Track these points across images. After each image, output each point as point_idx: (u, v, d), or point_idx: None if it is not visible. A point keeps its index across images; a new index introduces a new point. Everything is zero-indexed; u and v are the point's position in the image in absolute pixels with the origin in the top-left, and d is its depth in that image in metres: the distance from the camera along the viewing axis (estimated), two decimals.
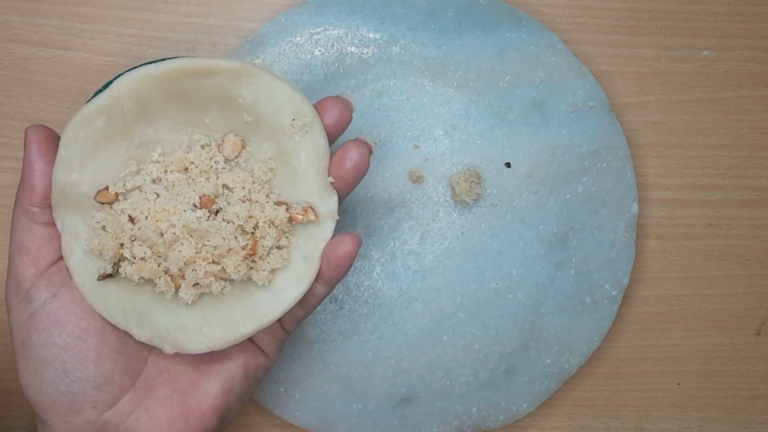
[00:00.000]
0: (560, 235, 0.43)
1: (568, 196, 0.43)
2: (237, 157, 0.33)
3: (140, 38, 0.44)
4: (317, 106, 0.33)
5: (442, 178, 0.43)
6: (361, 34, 0.43)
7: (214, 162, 0.33)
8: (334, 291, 0.43)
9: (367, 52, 0.43)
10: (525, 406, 0.43)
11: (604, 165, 0.43)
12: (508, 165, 0.43)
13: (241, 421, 0.44)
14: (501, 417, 0.43)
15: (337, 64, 0.43)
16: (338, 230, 0.43)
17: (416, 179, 0.43)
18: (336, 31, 0.43)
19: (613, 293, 0.43)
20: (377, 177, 0.43)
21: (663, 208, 0.45)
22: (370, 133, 0.43)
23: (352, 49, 0.43)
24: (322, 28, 0.43)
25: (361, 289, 0.43)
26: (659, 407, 0.46)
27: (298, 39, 0.43)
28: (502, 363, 0.43)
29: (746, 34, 0.45)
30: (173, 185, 0.32)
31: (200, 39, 0.44)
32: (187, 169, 0.33)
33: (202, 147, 0.33)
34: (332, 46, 0.43)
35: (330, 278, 0.33)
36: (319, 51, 0.43)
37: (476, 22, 0.43)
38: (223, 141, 0.33)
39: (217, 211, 0.32)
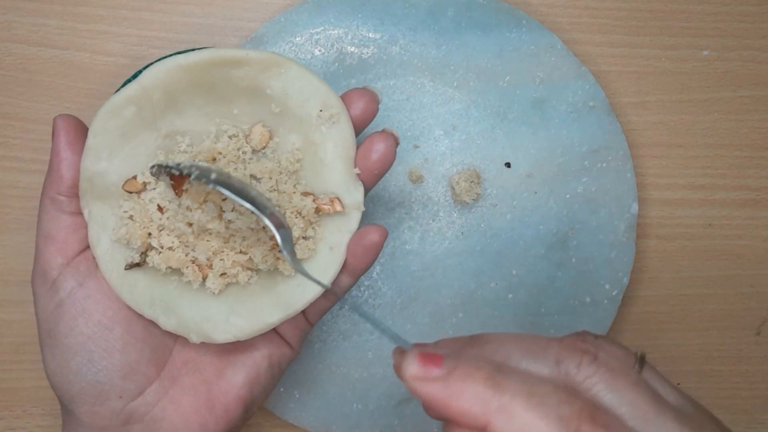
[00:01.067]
0: (560, 235, 0.43)
1: (568, 196, 0.43)
2: (264, 147, 0.33)
3: (140, 38, 0.44)
4: (344, 98, 0.33)
5: (442, 178, 0.43)
6: (361, 34, 0.43)
7: (242, 152, 0.33)
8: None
9: (367, 52, 0.43)
10: None
11: (604, 165, 0.43)
12: (508, 165, 0.43)
13: None
14: None
15: (337, 64, 0.43)
16: None
17: (416, 179, 0.43)
18: (336, 31, 0.43)
19: (613, 293, 0.43)
20: None
21: (663, 208, 0.45)
22: (369, 133, 0.43)
23: (352, 49, 0.43)
24: (322, 28, 0.43)
25: (361, 289, 0.43)
26: None
27: (298, 39, 0.43)
28: None
29: (746, 34, 0.45)
30: None
31: (200, 39, 0.44)
32: (215, 159, 0.33)
33: (230, 137, 0.33)
34: (332, 46, 0.43)
35: (356, 269, 0.33)
36: (319, 51, 0.43)
37: (476, 22, 0.43)
38: (250, 131, 0.33)
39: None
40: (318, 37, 0.43)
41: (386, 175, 0.43)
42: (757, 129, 0.45)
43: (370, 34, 0.43)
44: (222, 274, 0.32)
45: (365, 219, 0.43)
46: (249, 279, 0.33)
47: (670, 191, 0.45)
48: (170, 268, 0.32)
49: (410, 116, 0.43)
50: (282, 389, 0.42)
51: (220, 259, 0.32)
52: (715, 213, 0.45)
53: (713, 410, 0.47)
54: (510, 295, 0.43)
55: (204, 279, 0.32)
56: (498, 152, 0.43)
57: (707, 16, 0.45)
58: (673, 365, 0.45)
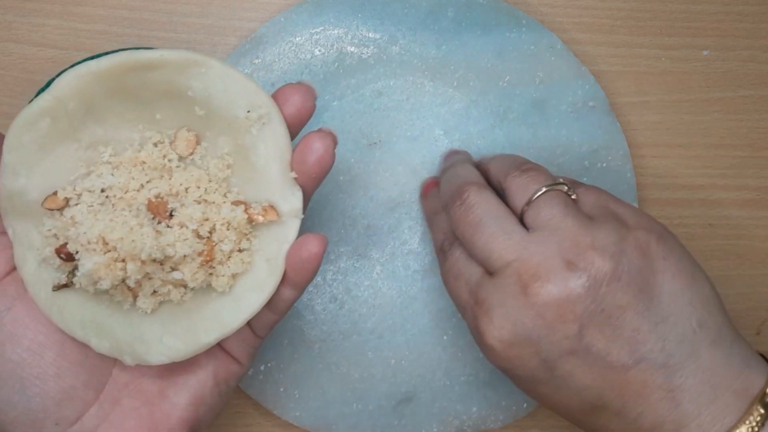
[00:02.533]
0: None
1: None
2: (192, 153, 0.31)
3: (140, 38, 0.44)
4: (276, 95, 0.30)
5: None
6: (361, 34, 0.43)
7: (168, 160, 0.31)
8: (334, 291, 0.43)
9: (367, 52, 0.43)
10: (525, 405, 0.43)
11: (604, 165, 0.43)
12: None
13: (241, 420, 0.44)
14: (501, 417, 0.43)
15: (336, 64, 0.43)
16: (338, 230, 0.43)
17: (416, 179, 0.43)
18: (336, 31, 0.43)
19: None
20: (377, 177, 0.43)
21: (663, 208, 0.45)
22: (370, 133, 0.43)
23: (352, 49, 0.43)
24: (322, 28, 0.43)
25: (361, 288, 0.43)
26: None
27: (297, 39, 0.43)
28: None
29: (746, 34, 0.45)
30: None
31: (200, 39, 0.44)
32: (136, 168, 0.31)
33: (155, 145, 0.31)
34: (332, 46, 0.43)
35: (297, 282, 0.31)
36: (319, 51, 0.43)
37: (476, 22, 0.43)
38: (175, 137, 0.31)
39: (171, 215, 0.30)
40: (318, 37, 0.43)
41: (386, 175, 0.43)
42: (757, 129, 0.45)
43: (370, 34, 0.43)
44: (153, 293, 0.31)
45: (355, 223, 0.43)
46: (183, 296, 0.31)
47: (670, 191, 0.45)
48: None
49: (410, 116, 0.43)
50: (282, 389, 0.42)
51: (149, 278, 0.30)
52: (716, 213, 0.45)
53: None
54: None
55: (135, 298, 0.31)
56: (498, 152, 0.43)
57: (707, 16, 0.45)
58: None
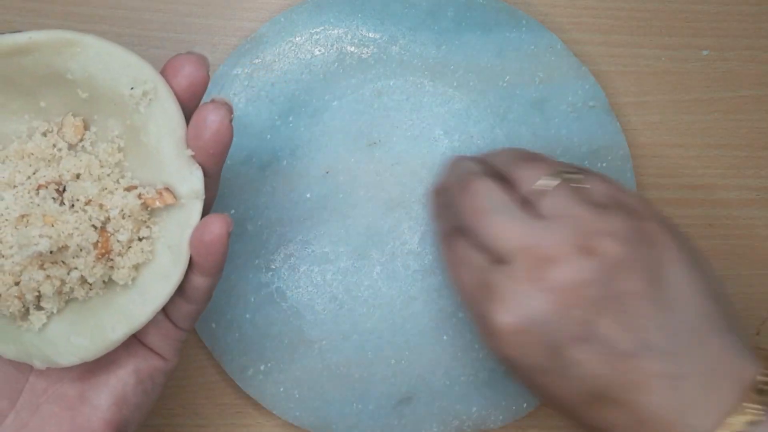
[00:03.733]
0: None
1: None
2: (81, 140, 0.29)
3: (140, 38, 0.44)
4: (165, 69, 0.28)
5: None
6: (361, 34, 0.43)
7: (57, 149, 0.29)
8: (334, 291, 0.43)
9: (367, 52, 0.43)
10: (525, 405, 0.43)
11: (604, 165, 0.43)
12: None
13: (241, 420, 0.44)
14: (501, 417, 0.43)
15: (336, 64, 0.43)
16: (338, 230, 0.43)
17: (416, 179, 0.43)
18: (336, 31, 0.43)
19: None
20: (377, 177, 0.43)
21: (663, 208, 0.45)
22: (369, 133, 0.43)
23: (352, 49, 0.43)
24: (322, 27, 0.43)
25: (361, 288, 0.43)
26: None
27: (297, 39, 0.43)
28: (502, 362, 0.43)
29: (746, 34, 0.45)
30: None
31: (200, 39, 0.44)
32: (23, 160, 0.29)
33: (44, 134, 0.29)
34: (332, 46, 0.43)
35: (205, 267, 0.29)
36: (319, 51, 0.43)
37: (476, 22, 0.43)
38: (62, 124, 0.29)
39: (63, 190, 0.28)
40: (318, 37, 0.43)
41: (386, 174, 0.43)
42: (757, 129, 0.45)
43: (370, 34, 0.43)
44: (59, 293, 0.29)
45: (355, 223, 0.43)
46: (87, 292, 0.29)
47: (670, 191, 0.45)
48: None
49: (410, 116, 0.43)
50: (282, 389, 0.42)
51: (49, 280, 0.28)
52: (715, 213, 0.45)
53: None
54: None
55: (35, 304, 0.29)
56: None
57: (707, 16, 0.45)
58: None
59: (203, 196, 0.28)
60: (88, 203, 0.28)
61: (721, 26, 0.45)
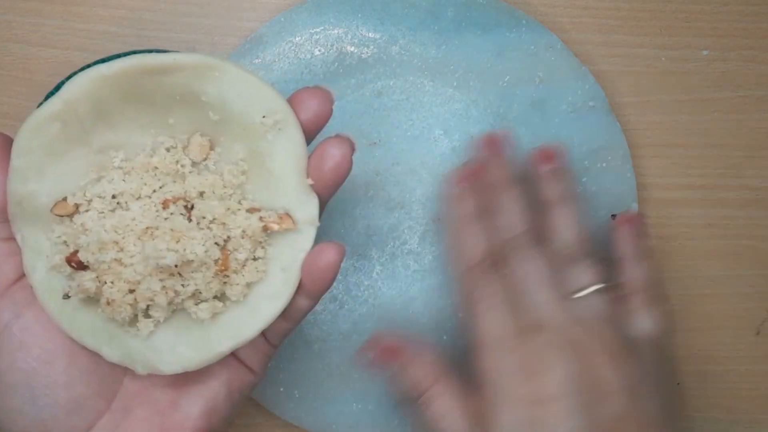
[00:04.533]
0: None
1: None
2: (205, 159, 0.30)
3: (140, 38, 0.44)
4: (292, 100, 0.30)
5: (442, 178, 0.43)
6: (361, 34, 0.43)
7: (180, 165, 0.30)
8: (334, 291, 0.43)
9: (367, 52, 0.43)
10: None
11: (604, 165, 0.43)
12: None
13: (241, 421, 0.44)
14: None
15: (336, 64, 0.43)
16: (338, 230, 0.43)
17: (416, 179, 0.43)
18: (336, 31, 0.43)
19: None
20: (377, 177, 0.43)
21: (663, 208, 0.45)
22: (369, 133, 0.43)
23: (352, 48, 0.43)
24: (322, 27, 0.43)
25: (361, 288, 0.43)
26: None
27: (297, 39, 0.43)
28: None
29: (746, 34, 0.45)
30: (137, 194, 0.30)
31: (200, 39, 0.44)
32: (148, 173, 0.30)
33: (167, 150, 0.30)
34: (332, 45, 0.43)
35: (312, 291, 0.30)
36: (319, 51, 0.43)
37: (476, 22, 0.43)
38: (188, 142, 0.30)
39: (191, 207, 0.29)
40: (318, 37, 0.43)
41: (386, 174, 0.43)
42: (757, 129, 0.45)
43: (370, 34, 0.43)
44: (169, 304, 0.30)
45: (355, 223, 0.43)
46: (197, 305, 0.30)
47: (670, 191, 0.45)
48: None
49: (410, 116, 0.43)
50: (282, 389, 0.42)
51: (164, 291, 0.29)
52: (715, 213, 0.45)
53: (713, 410, 0.47)
54: None
55: (146, 309, 0.30)
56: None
57: (707, 16, 0.45)
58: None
59: (318, 224, 0.30)
60: (212, 221, 0.29)
61: (721, 26, 0.45)
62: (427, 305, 0.43)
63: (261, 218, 0.30)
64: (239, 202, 0.30)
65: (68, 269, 0.29)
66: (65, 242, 0.29)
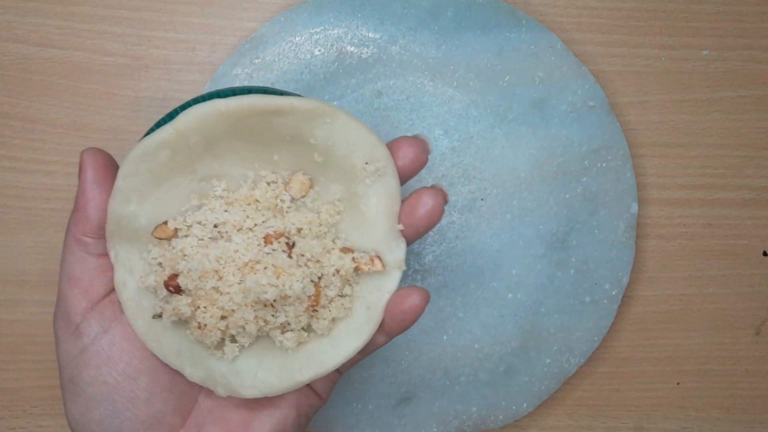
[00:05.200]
0: (560, 234, 0.43)
1: (567, 195, 0.43)
2: (303, 196, 0.31)
3: (140, 38, 0.44)
4: (391, 146, 0.31)
5: (441, 178, 0.43)
6: (361, 34, 0.43)
7: (280, 200, 0.31)
8: None
9: (367, 52, 0.43)
10: (525, 405, 0.43)
11: (604, 165, 0.43)
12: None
13: None
14: (501, 417, 0.43)
15: (336, 64, 0.43)
16: None
17: (416, 178, 0.43)
18: (336, 31, 0.43)
19: (613, 293, 0.43)
20: None
21: (663, 208, 0.45)
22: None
23: (352, 48, 0.43)
24: (322, 27, 0.43)
25: None
26: (659, 407, 0.46)
27: (297, 39, 0.43)
28: (501, 363, 0.43)
29: (746, 34, 0.45)
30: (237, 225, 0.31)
31: (200, 39, 0.44)
32: (250, 206, 0.31)
33: (268, 184, 0.31)
34: (332, 45, 0.43)
35: (392, 330, 0.32)
36: (319, 51, 0.43)
37: (476, 22, 0.43)
38: (290, 179, 0.31)
39: (292, 245, 0.30)
40: (318, 36, 0.43)
41: None
42: (757, 129, 0.45)
43: (370, 34, 0.43)
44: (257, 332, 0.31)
45: None
46: (283, 333, 0.31)
47: (670, 191, 0.45)
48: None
49: (410, 116, 0.43)
50: None
51: (255, 321, 0.31)
52: (715, 213, 0.45)
53: (713, 410, 0.47)
54: (510, 295, 0.43)
55: (225, 336, 0.31)
56: (498, 152, 0.43)
57: (707, 16, 0.45)
58: (673, 365, 0.45)
59: (404, 267, 0.31)
60: (309, 259, 0.30)
61: (721, 26, 0.45)
62: (428, 305, 0.43)
63: (354, 259, 0.31)
64: (333, 241, 0.31)
65: (164, 291, 0.30)
66: (160, 264, 0.30)
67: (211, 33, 0.44)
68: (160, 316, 0.31)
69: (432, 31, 0.43)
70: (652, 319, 0.45)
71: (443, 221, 0.43)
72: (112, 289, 0.31)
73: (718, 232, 0.45)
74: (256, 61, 0.42)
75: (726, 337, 0.45)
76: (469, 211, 0.43)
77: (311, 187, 0.31)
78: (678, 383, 0.45)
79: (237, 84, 0.42)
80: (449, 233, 0.43)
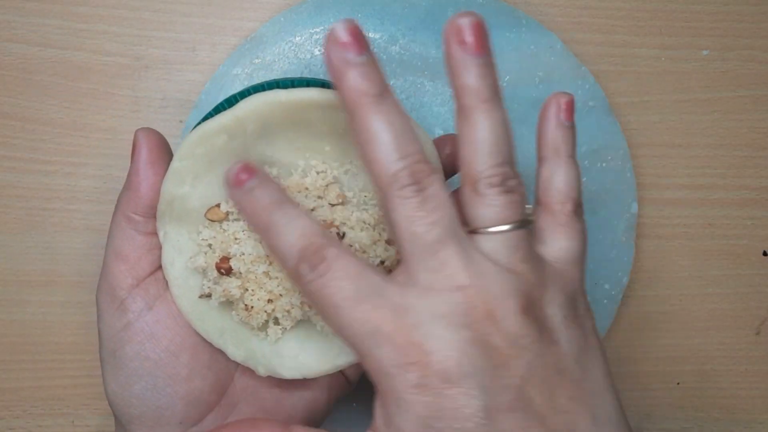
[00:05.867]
0: None
1: None
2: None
3: (140, 38, 0.44)
4: (436, 142, 0.32)
5: None
6: None
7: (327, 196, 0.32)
8: None
9: None
10: None
11: (604, 165, 0.43)
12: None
13: None
14: None
15: None
16: None
17: None
18: None
19: (613, 293, 0.43)
20: None
21: (663, 208, 0.45)
22: None
23: None
24: (322, 27, 0.43)
25: None
26: (659, 407, 0.46)
27: (297, 39, 0.43)
28: None
29: (746, 34, 0.45)
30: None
31: (200, 38, 0.44)
32: (300, 193, 0.32)
33: (318, 173, 0.32)
34: None
35: None
36: (319, 51, 0.43)
37: None
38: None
39: (342, 236, 0.31)
40: (318, 37, 0.43)
41: None
42: (757, 129, 0.45)
43: (370, 34, 0.43)
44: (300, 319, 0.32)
45: None
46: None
47: (670, 191, 0.45)
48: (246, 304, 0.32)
49: (410, 116, 0.43)
50: None
51: (289, 302, 0.31)
52: (715, 213, 0.45)
53: (713, 410, 0.47)
54: None
55: (270, 317, 0.32)
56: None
57: (707, 16, 0.45)
58: (673, 365, 0.45)
59: None
60: (357, 250, 0.31)
61: (721, 26, 0.45)
62: None
63: (398, 252, 0.31)
64: (379, 234, 0.32)
65: (214, 273, 0.31)
66: (210, 245, 0.31)
67: (211, 33, 0.44)
68: (208, 296, 0.31)
69: (432, 31, 0.43)
70: (652, 319, 0.45)
71: None
72: (158, 268, 0.32)
73: (718, 232, 0.45)
74: (256, 61, 0.42)
75: (726, 337, 0.45)
76: None
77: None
78: (678, 383, 0.45)
79: (237, 84, 0.42)
80: None
